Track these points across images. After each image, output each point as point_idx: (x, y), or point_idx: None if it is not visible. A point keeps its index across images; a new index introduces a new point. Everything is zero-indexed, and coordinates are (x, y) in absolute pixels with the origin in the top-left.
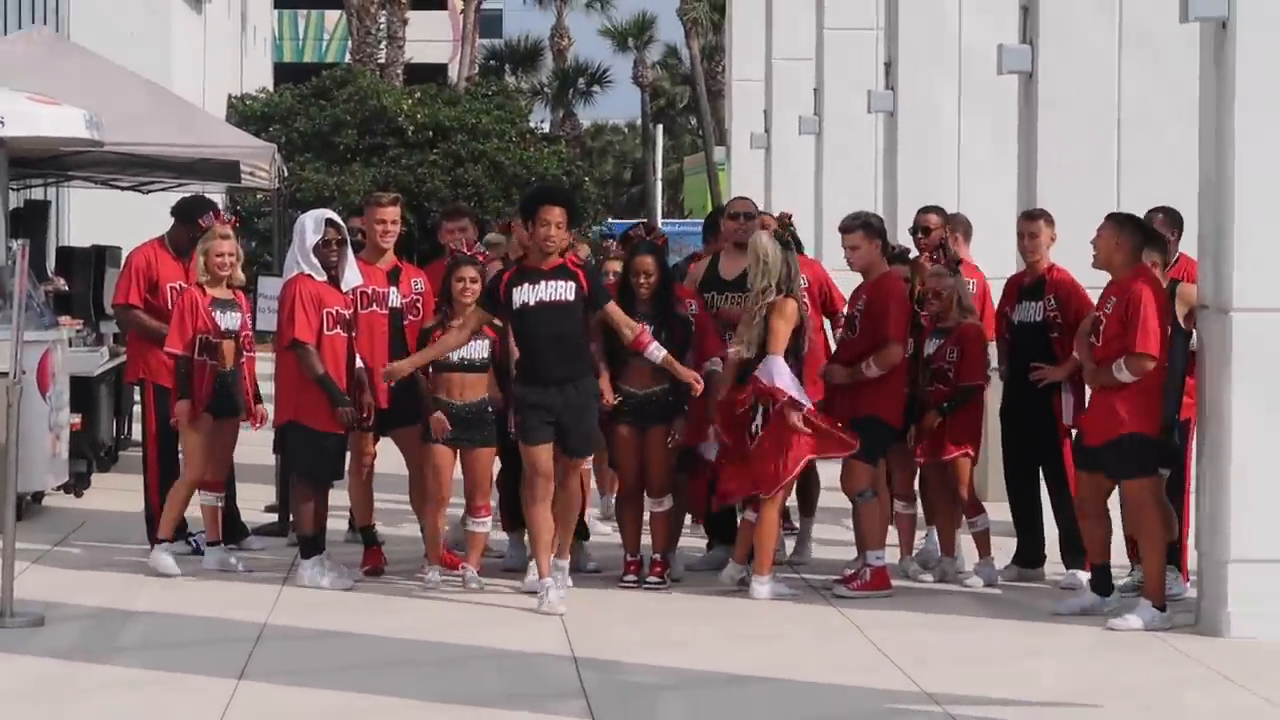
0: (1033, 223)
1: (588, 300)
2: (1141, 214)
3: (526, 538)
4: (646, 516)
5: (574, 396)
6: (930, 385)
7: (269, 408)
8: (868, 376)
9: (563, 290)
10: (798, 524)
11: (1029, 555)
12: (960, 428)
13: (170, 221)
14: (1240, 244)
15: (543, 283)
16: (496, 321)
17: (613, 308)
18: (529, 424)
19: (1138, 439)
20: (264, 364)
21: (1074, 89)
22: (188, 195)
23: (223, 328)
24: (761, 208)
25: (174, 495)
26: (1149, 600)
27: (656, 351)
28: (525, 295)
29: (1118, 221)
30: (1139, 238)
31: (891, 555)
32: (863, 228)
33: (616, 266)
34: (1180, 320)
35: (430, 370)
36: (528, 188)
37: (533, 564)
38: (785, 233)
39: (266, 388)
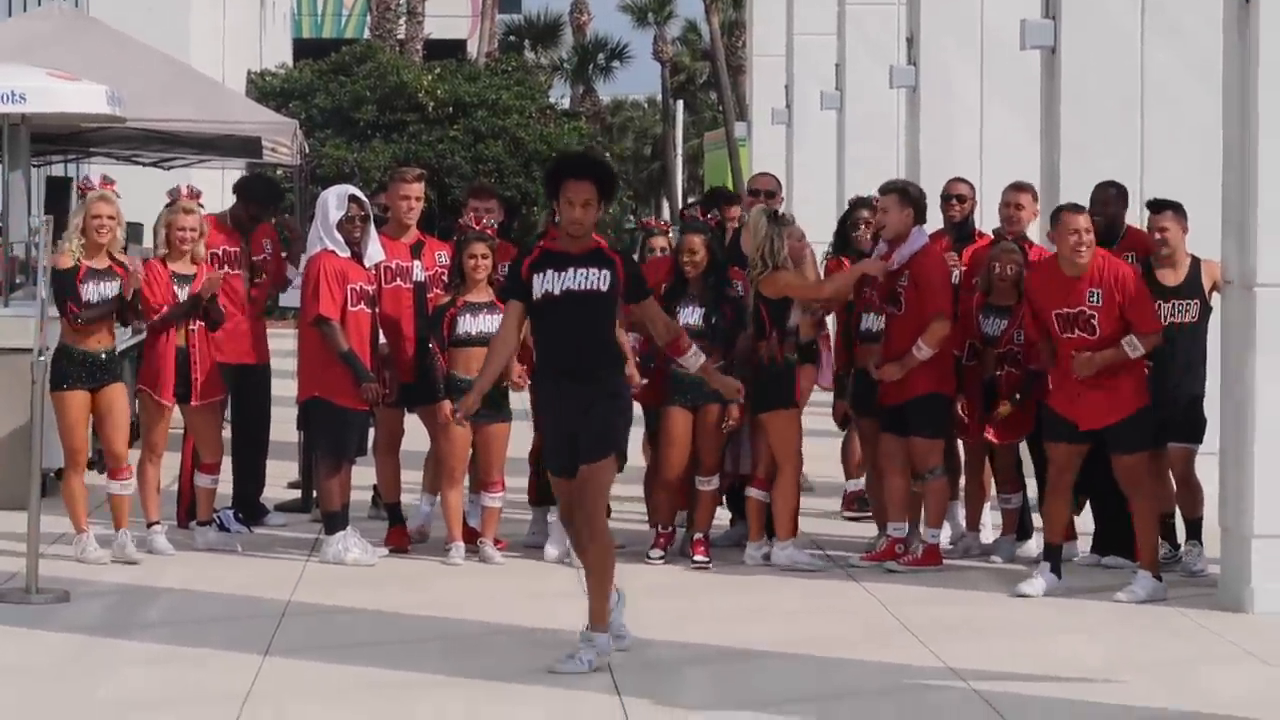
0: (1019, 194)
1: (624, 293)
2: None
3: (550, 515)
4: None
5: (590, 395)
6: (1000, 370)
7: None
8: (920, 360)
9: (595, 279)
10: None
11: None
12: (1028, 412)
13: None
14: (1264, 220)
15: (571, 270)
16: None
17: (652, 303)
18: (547, 444)
19: (1146, 411)
20: (286, 339)
21: (1096, 64)
22: (250, 174)
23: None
24: (782, 183)
25: (140, 477)
26: (1146, 571)
27: (694, 358)
28: (549, 283)
29: (1179, 209)
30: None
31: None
32: (899, 193)
33: (661, 243)
34: (1206, 295)
35: (447, 347)
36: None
37: (551, 538)
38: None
39: (290, 364)
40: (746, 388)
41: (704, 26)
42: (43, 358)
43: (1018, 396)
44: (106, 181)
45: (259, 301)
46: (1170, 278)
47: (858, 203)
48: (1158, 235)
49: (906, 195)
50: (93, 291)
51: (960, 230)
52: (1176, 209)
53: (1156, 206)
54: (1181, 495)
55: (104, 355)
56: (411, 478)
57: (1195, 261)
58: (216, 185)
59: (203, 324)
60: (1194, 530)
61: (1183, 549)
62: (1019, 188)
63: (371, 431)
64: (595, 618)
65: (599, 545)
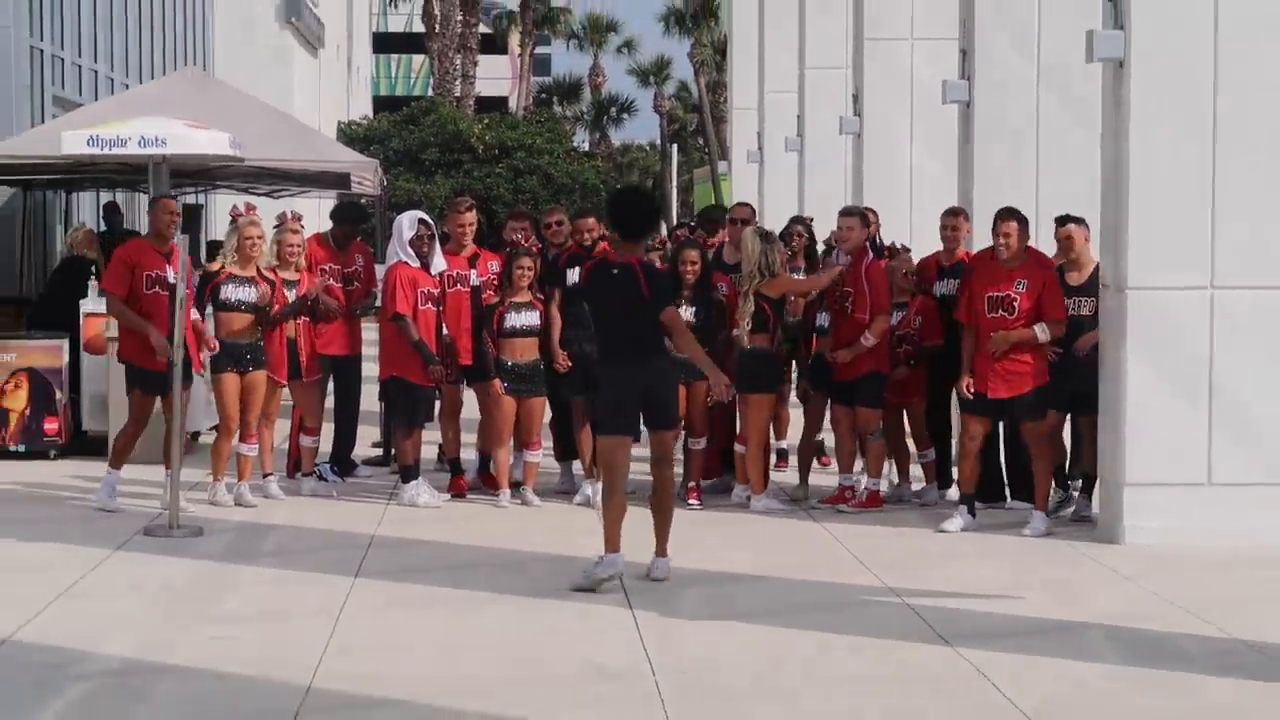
0: (955, 218)
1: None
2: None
3: (575, 466)
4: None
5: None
6: (899, 347)
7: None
8: (867, 347)
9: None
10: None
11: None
12: (919, 378)
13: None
14: (1133, 238)
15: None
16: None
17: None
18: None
19: (1044, 389)
20: (372, 331)
21: (1001, 114)
22: (343, 202)
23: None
24: (756, 210)
25: (258, 438)
26: (1040, 511)
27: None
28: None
29: (1021, 220)
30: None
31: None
32: (860, 216)
33: (654, 257)
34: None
35: (497, 338)
36: (577, 193)
37: (582, 485)
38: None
39: (374, 351)
40: (732, 372)
41: (694, 86)
42: (183, 346)
43: (912, 363)
44: (251, 208)
45: (357, 305)
46: (1075, 278)
47: (795, 219)
48: (1063, 242)
49: (864, 218)
50: (232, 292)
51: (869, 247)
52: (1080, 221)
53: (1062, 220)
54: (1089, 455)
55: (246, 346)
56: (468, 439)
57: (1097, 267)
58: (315, 210)
59: (307, 319)
60: (1089, 485)
61: (1075, 497)
62: (953, 212)
63: (437, 403)
64: (661, 547)
65: (668, 482)
